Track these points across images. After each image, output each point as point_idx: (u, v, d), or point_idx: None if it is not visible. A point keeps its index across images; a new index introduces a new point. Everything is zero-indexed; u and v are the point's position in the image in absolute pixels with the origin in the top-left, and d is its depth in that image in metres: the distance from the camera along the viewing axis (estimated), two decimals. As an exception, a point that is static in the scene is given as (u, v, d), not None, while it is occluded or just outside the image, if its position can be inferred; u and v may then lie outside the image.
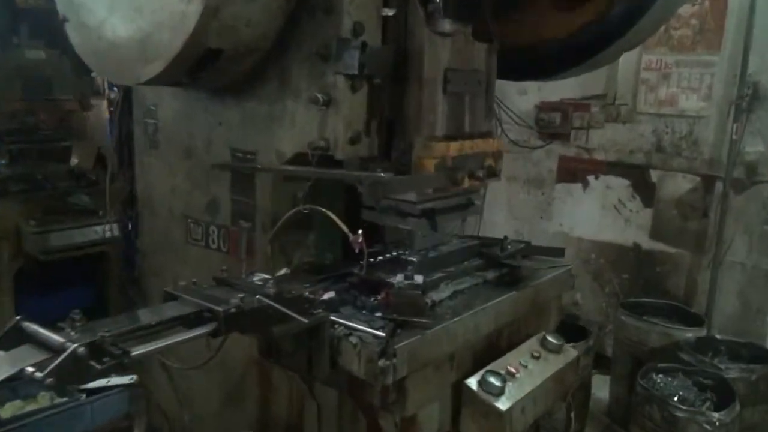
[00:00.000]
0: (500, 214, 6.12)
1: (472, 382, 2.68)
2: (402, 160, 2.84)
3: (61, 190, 5.42)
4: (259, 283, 2.32)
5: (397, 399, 2.49)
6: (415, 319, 2.55)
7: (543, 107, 5.73)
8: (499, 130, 5.85)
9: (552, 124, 5.64)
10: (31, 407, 2.44)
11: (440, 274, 2.98)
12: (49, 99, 5.67)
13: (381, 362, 2.34)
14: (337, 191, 3.04)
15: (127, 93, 3.61)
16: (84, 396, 2.48)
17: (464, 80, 2.97)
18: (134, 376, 2.63)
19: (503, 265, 3.22)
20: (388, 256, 3.02)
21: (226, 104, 3.11)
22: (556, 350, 3.08)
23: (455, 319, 2.67)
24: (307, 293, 2.39)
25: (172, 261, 3.55)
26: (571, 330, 4.55)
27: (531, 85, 5.72)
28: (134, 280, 3.86)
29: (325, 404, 2.85)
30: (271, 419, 3.16)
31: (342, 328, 2.48)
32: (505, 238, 3.38)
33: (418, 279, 2.75)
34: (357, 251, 2.73)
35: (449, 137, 2.91)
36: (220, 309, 2.06)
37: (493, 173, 3.10)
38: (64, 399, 2.50)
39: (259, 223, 3.05)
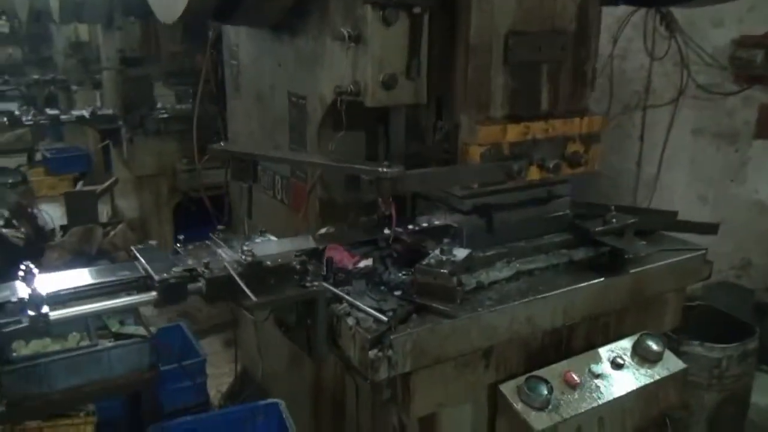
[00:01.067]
0: (680, 175, 5.09)
1: (509, 388, 2.19)
2: (444, 143, 2.35)
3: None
4: (246, 248, 2.05)
5: (403, 397, 2.11)
6: (436, 305, 2.11)
7: (743, 42, 4.54)
8: (685, 75, 4.84)
9: (752, 63, 4.44)
10: (55, 347, 2.50)
11: (501, 249, 2.45)
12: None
13: (372, 353, 1.97)
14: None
15: (219, 34, 3.53)
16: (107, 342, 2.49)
17: (538, 45, 2.36)
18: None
19: (599, 243, 2.56)
20: (439, 222, 2.56)
21: (283, 43, 2.85)
22: (653, 358, 2.41)
23: (496, 308, 2.17)
24: (296, 263, 2.07)
25: (254, 209, 3.46)
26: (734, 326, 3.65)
27: (729, 14, 4.56)
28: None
29: (362, 384, 2.55)
30: (321, 389, 2.97)
31: (345, 305, 2.14)
32: (611, 208, 2.70)
33: (460, 253, 2.27)
34: (386, 213, 2.35)
35: (512, 117, 2.34)
36: (156, 278, 1.86)
37: (577, 162, 2.45)
38: (89, 343, 2.53)
39: (310, 176, 2.78)
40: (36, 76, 7.85)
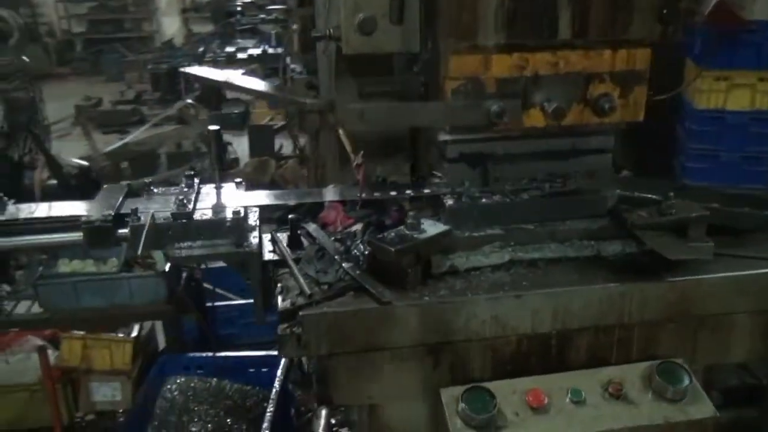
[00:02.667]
0: None
1: (450, 395, 1.88)
2: (425, 73, 2.00)
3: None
4: (183, 198, 2.01)
5: (324, 383, 1.93)
6: (371, 286, 1.88)
7: None
8: None
9: None
10: (91, 269, 2.75)
11: (496, 231, 2.07)
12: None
13: (280, 327, 1.83)
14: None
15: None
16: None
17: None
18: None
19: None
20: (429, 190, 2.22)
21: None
22: (670, 395, 1.89)
23: (446, 300, 1.86)
24: (229, 220, 1.97)
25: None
26: None
27: None
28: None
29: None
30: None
31: (287, 271, 2.00)
32: (678, 189, 2.11)
33: (431, 229, 1.98)
34: (359, 180, 2.12)
35: (511, 48, 1.89)
36: (83, 220, 1.90)
37: (604, 108, 1.92)
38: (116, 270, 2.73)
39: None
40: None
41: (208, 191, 2.23)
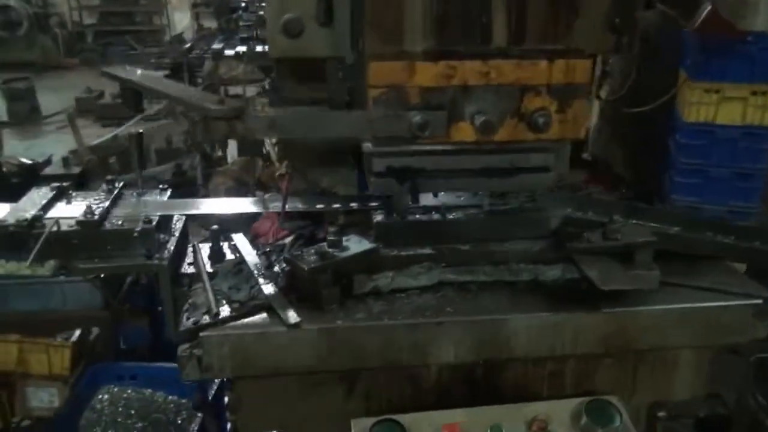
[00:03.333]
0: None
1: (361, 426, 1.75)
2: (351, 79, 1.88)
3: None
4: (95, 204, 1.91)
5: (234, 408, 1.82)
6: (278, 307, 1.76)
7: None
8: None
9: None
10: (26, 272, 2.66)
11: (426, 250, 1.94)
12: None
13: (181, 348, 1.72)
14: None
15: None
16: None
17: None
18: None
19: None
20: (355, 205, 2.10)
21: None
22: (594, 438, 1.75)
23: (359, 324, 1.75)
24: (137, 231, 1.86)
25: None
26: None
27: None
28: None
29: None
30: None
31: (199, 286, 1.90)
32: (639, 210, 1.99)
33: (355, 246, 1.87)
34: (282, 190, 2.01)
35: (440, 54, 1.76)
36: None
37: (539, 124, 1.78)
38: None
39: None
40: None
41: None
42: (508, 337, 1.81)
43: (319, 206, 2.08)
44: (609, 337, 1.85)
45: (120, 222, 1.91)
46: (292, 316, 1.73)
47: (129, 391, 2.70)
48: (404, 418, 1.75)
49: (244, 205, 2.17)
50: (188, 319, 1.76)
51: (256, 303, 1.81)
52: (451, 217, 2.01)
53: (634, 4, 2.01)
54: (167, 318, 1.92)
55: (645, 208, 2.29)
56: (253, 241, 2.17)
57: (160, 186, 2.18)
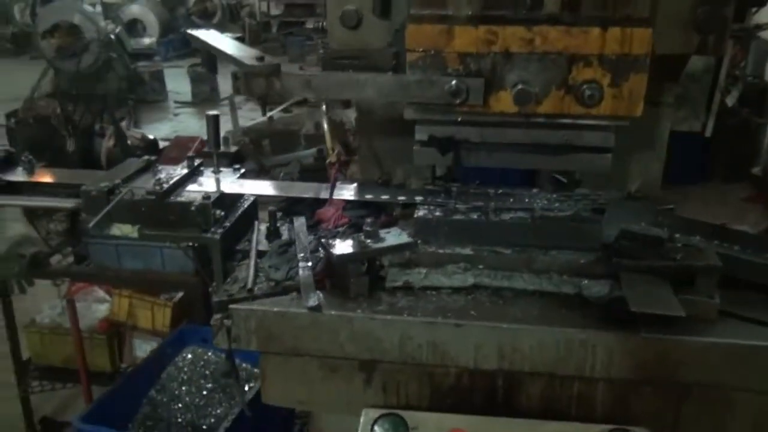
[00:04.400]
0: None
1: (370, 416, 1.79)
2: (397, 44, 1.87)
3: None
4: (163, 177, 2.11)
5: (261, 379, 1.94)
6: (308, 290, 1.84)
7: None
8: None
9: None
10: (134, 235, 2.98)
11: (467, 251, 1.92)
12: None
13: (214, 318, 1.86)
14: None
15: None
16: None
17: None
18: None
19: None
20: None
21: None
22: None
23: (378, 317, 1.78)
24: (196, 205, 2.03)
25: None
26: None
27: None
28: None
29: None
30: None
31: (246, 262, 2.03)
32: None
33: (391, 239, 1.90)
34: (332, 178, 2.08)
35: (486, 20, 1.70)
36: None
37: (590, 98, 1.67)
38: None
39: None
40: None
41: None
42: (532, 349, 1.74)
43: (368, 196, 2.13)
44: (647, 365, 1.71)
45: (183, 196, 2.09)
46: (313, 299, 1.79)
47: (210, 353, 2.95)
48: (413, 415, 1.76)
49: (304, 190, 2.27)
50: (225, 291, 1.90)
51: (288, 283, 1.91)
52: (495, 219, 1.96)
53: (723, 1, 1.81)
54: (216, 287, 2.08)
55: (738, 232, 2.07)
56: (315, 226, 2.27)
57: (234, 167, 2.34)
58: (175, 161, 2.50)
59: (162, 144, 6.72)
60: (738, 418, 1.77)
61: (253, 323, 1.83)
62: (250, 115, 10.11)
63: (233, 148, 6.68)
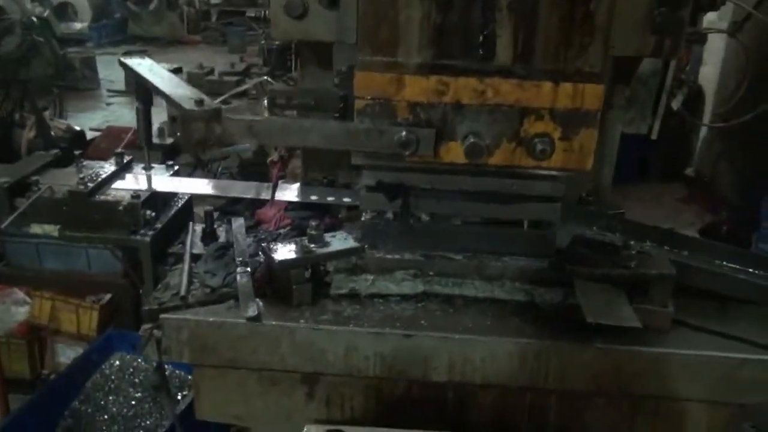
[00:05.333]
0: None
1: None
2: (345, 87, 1.78)
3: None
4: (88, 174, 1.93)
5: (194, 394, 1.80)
6: (245, 299, 1.71)
7: None
8: None
9: None
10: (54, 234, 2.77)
11: (416, 256, 1.83)
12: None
13: (143, 328, 1.71)
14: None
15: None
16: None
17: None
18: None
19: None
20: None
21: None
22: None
23: (322, 327, 1.66)
24: (124, 205, 1.87)
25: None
26: None
27: None
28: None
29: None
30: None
31: (179, 267, 1.88)
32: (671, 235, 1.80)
33: (337, 243, 1.79)
34: (274, 178, 1.95)
35: (437, 69, 1.63)
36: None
37: (541, 151, 1.62)
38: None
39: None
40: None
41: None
42: (483, 360, 1.66)
43: (312, 197, 2.01)
44: (601, 376, 1.66)
45: (110, 195, 1.93)
46: (252, 308, 1.67)
47: (139, 360, 2.77)
48: (358, 431, 1.66)
49: (244, 189, 2.13)
50: (155, 299, 1.75)
51: (225, 291, 1.78)
52: (446, 223, 1.88)
53: (679, 2, 1.77)
54: (144, 291, 1.93)
55: (686, 237, 2.04)
56: (255, 227, 2.13)
57: (167, 163, 2.18)
58: (107, 153, 2.33)
59: (93, 135, 6.39)
60: (692, 430, 1.75)
61: (186, 334, 1.69)
62: (189, 106, 9.76)
63: (169, 140, 6.45)
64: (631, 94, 2.42)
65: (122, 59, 2.05)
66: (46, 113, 5.31)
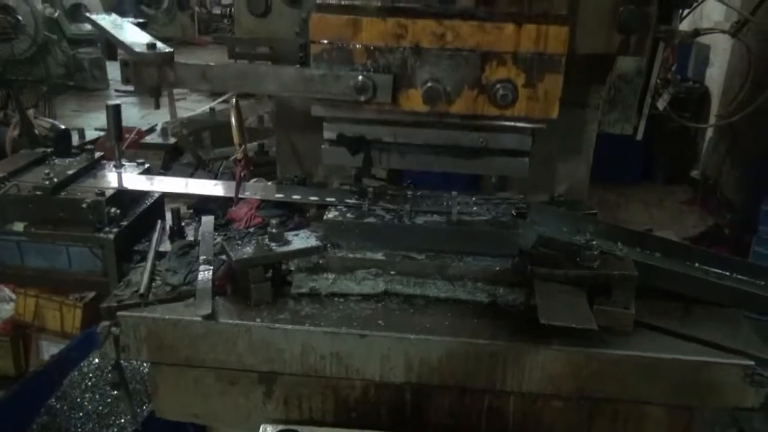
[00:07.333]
0: None
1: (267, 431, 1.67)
2: (304, 35, 1.75)
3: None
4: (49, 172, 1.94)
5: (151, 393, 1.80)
6: (203, 298, 1.71)
7: None
8: None
9: None
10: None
11: (377, 255, 1.82)
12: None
13: (101, 325, 1.72)
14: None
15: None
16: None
17: None
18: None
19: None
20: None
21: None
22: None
23: (278, 326, 1.66)
24: (88, 199, 1.87)
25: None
26: None
27: None
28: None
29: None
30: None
31: (142, 264, 1.89)
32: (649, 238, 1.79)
33: (298, 242, 1.79)
34: (237, 176, 1.95)
35: (396, 11, 1.60)
36: None
37: (504, 99, 1.59)
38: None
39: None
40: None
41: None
42: (440, 361, 1.65)
43: (278, 196, 2.01)
44: (559, 378, 1.64)
45: (76, 192, 1.94)
46: (207, 306, 1.67)
47: (118, 358, 2.76)
48: (315, 431, 1.65)
49: (214, 188, 2.13)
50: (115, 296, 1.76)
51: (186, 289, 1.78)
52: (409, 222, 1.86)
53: (645, 1, 1.75)
54: (111, 289, 1.93)
55: (660, 239, 2.02)
56: (226, 226, 2.14)
57: (138, 161, 2.19)
58: (111, 152, 2.33)
59: (99, 135, 6.44)
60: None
61: (143, 331, 1.70)
62: (194, 107, 9.83)
63: (171, 140, 6.47)
64: (615, 94, 2.39)
65: (88, 15, 2.07)
66: (30, 111, 5.33)
